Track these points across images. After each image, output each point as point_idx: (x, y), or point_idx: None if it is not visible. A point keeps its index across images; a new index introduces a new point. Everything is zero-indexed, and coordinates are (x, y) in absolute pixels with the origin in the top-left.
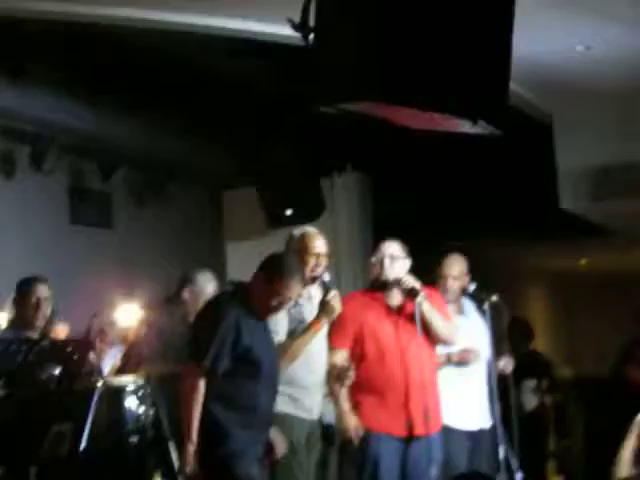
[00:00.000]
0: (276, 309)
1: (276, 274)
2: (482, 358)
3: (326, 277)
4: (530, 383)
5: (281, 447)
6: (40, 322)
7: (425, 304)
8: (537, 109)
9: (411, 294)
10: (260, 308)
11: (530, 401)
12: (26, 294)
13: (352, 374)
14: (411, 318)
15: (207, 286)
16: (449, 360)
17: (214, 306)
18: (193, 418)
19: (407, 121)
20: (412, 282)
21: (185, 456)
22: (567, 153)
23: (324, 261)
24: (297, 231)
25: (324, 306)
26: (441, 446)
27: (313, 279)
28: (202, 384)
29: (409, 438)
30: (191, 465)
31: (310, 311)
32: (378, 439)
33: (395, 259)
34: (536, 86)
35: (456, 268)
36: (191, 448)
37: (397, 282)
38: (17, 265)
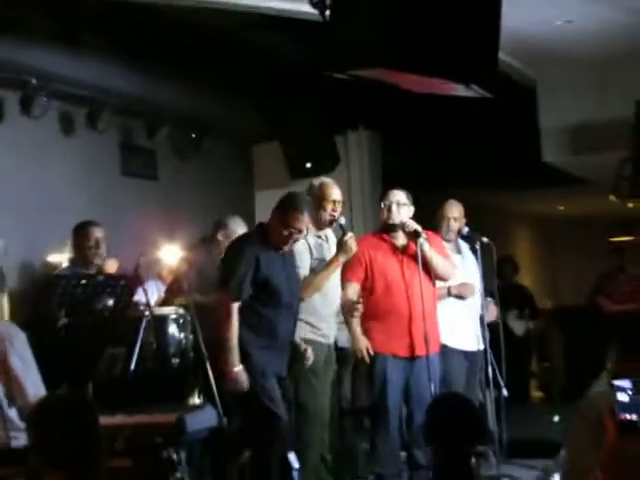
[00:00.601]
0: (288, 239)
1: (286, 208)
2: (476, 291)
3: (342, 220)
4: (515, 311)
5: (311, 354)
6: (97, 260)
7: (426, 245)
8: (523, 75)
9: (414, 236)
10: (276, 241)
11: (519, 327)
12: (84, 235)
13: (361, 307)
14: (414, 257)
15: (237, 229)
16: (449, 292)
17: (237, 244)
18: (232, 336)
19: (411, 86)
20: (415, 225)
21: (230, 362)
22: (549, 113)
23: (339, 207)
24: (316, 181)
25: (342, 246)
26: (439, 365)
27: (330, 222)
28: (235, 307)
29: (411, 358)
30: (236, 366)
31: (328, 249)
32: (385, 359)
33: (401, 205)
34: (522, 54)
35: (456, 211)
36: (235, 355)
37: (402, 225)
38: (78, 211)
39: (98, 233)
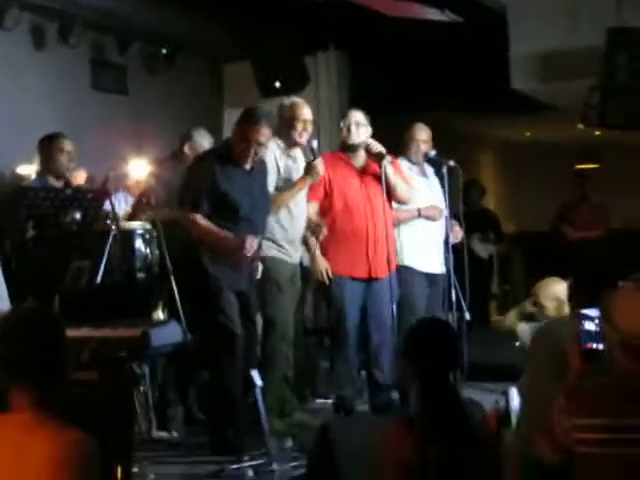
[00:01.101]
0: (248, 153)
1: (245, 121)
2: (443, 215)
3: (314, 144)
4: (478, 234)
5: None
6: (65, 172)
7: (389, 167)
8: (494, 1)
9: (378, 157)
10: (238, 155)
11: (483, 250)
12: (54, 147)
13: (325, 230)
14: (374, 178)
15: (203, 141)
16: (419, 214)
17: (197, 159)
18: (211, 232)
19: (384, 8)
20: (379, 147)
21: (227, 242)
22: (519, 40)
23: (310, 126)
24: (287, 100)
25: (309, 169)
26: (397, 286)
27: (300, 142)
28: (198, 216)
29: (370, 279)
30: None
31: (297, 170)
32: (343, 281)
33: (360, 126)
34: None
35: (424, 133)
36: (224, 235)
37: (366, 146)
38: (48, 124)
39: (68, 146)
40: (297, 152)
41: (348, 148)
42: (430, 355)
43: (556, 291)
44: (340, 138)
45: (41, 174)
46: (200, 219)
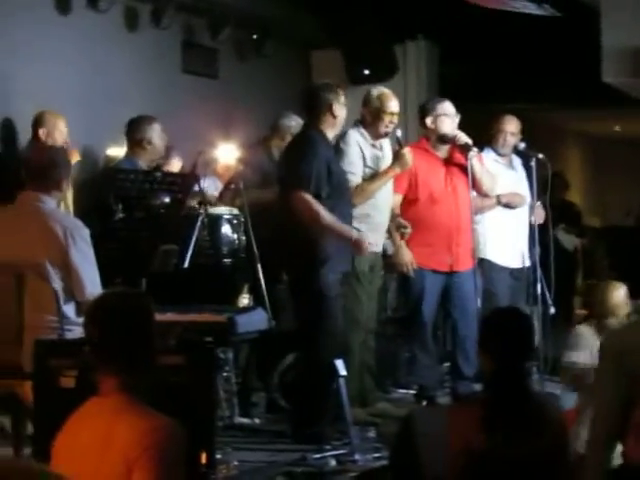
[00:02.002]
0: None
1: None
2: (526, 204)
3: (398, 133)
4: (562, 225)
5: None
6: (154, 154)
7: (475, 159)
8: None
9: (464, 149)
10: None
11: (569, 242)
12: (141, 129)
13: (409, 230)
14: (459, 169)
15: (293, 126)
16: (498, 201)
17: (307, 142)
18: (328, 218)
19: (482, 0)
20: (466, 138)
21: (346, 234)
22: (611, 33)
23: (396, 119)
24: (375, 91)
25: (398, 158)
26: (482, 278)
27: (386, 134)
28: (313, 199)
29: (452, 272)
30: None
31: (382, 159)
32: (423, 273)
33: (449, 116)
34: None
35: (513, 125)
36: (344, 227)
37: (452, 138)
38: (137, 106)
39: (157, 127)
40: (384, 142)
41: (436, 139)
42: (501, 342)
43: (618, 296)
44: (428, 129)
45: (130, 155)
46: (315, 202)
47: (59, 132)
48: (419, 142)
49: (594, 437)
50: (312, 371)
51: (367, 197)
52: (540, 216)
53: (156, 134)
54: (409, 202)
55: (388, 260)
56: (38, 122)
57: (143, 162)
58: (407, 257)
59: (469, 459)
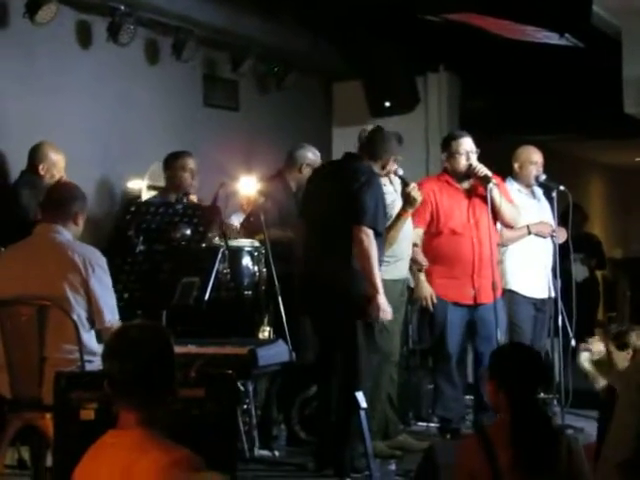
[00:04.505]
0: None
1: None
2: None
3: (400, 171)
4: (580, 255)
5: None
6: (187, 189)
7: (495, 190)
8: (609, 24)
9: (484, 181)
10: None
11: (580, 273)
12: (176, 164)
13: (426, 265)
14: (481, 200)
15: (309, 157)
16: (529, 231)
17: (370, 175)
18: (376, 270)
19: (502, 31)
20: (485, 170)
21: (377, 289)
22: (633, 64)
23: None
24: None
25: (407, 197)
26: (504, 312)
27: (387, 173)
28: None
29: (475, 305)
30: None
31: (393, 192)
32: (446, 305)
33: (473, 153)
34: (610, 3)
35: (536, 156)
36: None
37: (473, 169)
38: (159, 140)
39: (191, 163)
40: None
41: (459, 175)
42: (514, 377)
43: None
44: (451, 164)
45: (165, 191)
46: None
47: (57, 170)
48: (441, 174)
49: (616, 465)
50: (346, 403)
51: (390, 244)
52: (562, 235)
53: (189, 167)
54: (431, 235)
55: (410, 291)
56: (38, 156)
57: (174, 196)
58: (427, 291)
59: None
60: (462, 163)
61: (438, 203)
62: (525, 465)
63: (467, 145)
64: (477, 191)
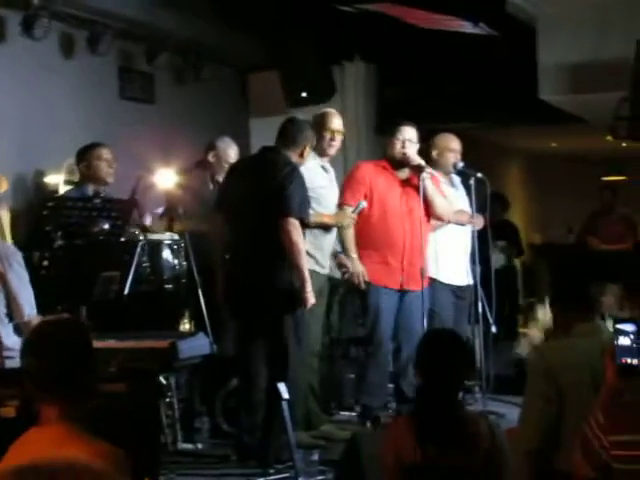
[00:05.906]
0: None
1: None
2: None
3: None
4: (500, 243)
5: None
6: (105, 179)
7: (428, 181)
8: (524, 11)
9: (417, 170)
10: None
11: (498, 260)
12: (91, 156)
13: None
14: (414, 192)
15: (228, 148)
16: (448, 220)
17: (291, 166)
18: (304, 260)
19: (417, 20)
20: (419, 159)
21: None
22: (548, 51)
23: (338, 137)
24: (320, 111)
25: (342, 219)
26: (428, 299)
27: (328, 153)
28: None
29: (402, 291)
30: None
31: (329, 180)
32: (378, 290)
33: (412, 143)
34: None
35: (454, 143)
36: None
37: (407, 158)
38: (76, 133)
39: (106, 153)
40: (327, 164)
41: (395, 162)
42: (430, 360)
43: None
44: (389, 150)
45: (81, 184)
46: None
47: None
48: (380, 160)
49: (525, 451)
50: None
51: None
52: (480, 222)
53: (104, 157)
54: (363, 218)
55: (331, 281)
56: None
57: (92, 188)
58: (359, 268)
59: (404, 474)
60: (397, 149)
61: (373, 186)
62: (440, 448)
63: (406, 133)
64: (412, 182)
